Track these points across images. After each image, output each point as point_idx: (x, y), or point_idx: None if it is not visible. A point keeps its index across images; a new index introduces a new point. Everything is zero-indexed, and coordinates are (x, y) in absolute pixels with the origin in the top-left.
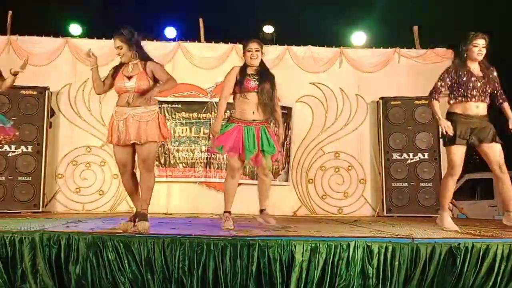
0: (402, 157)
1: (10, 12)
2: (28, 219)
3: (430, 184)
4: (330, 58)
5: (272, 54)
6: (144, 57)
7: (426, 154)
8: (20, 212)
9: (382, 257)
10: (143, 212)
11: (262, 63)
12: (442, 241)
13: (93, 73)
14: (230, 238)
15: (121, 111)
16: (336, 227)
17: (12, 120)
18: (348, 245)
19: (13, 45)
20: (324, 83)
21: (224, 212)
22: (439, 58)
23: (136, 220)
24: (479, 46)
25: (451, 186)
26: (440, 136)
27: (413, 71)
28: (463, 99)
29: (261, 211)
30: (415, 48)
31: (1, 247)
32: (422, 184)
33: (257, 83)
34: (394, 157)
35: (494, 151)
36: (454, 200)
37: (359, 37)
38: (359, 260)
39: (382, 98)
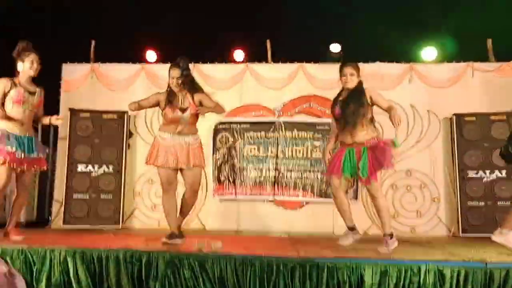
0: (478, 175)
1: (93, 42)
2: (112, 236)
3: (508, 203)
4: (400, 74)
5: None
6: (193, 89)
7: (503, 172)
8: (102, 228)
9: (454, 282)
10: (173, 232)
11: (359, 85)
12: None
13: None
14: (299, 259)
15: (170, 137)
16: (408, 248)
17: (95, 142)
18: (419, 269)
19: (96, 72)
20: (394, 99)
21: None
22: None
23: (173, 237)
24: None
25: None
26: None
27: (487, 85)
28: None
29: (389, 235)
30: (489, 61)
31: (90, 263)
32: (500, 203)
33: (340, 109)
34: (469, 175)
35: None
36: None
37: (429, 52)
38: (431, 285)
39: (455, 114)
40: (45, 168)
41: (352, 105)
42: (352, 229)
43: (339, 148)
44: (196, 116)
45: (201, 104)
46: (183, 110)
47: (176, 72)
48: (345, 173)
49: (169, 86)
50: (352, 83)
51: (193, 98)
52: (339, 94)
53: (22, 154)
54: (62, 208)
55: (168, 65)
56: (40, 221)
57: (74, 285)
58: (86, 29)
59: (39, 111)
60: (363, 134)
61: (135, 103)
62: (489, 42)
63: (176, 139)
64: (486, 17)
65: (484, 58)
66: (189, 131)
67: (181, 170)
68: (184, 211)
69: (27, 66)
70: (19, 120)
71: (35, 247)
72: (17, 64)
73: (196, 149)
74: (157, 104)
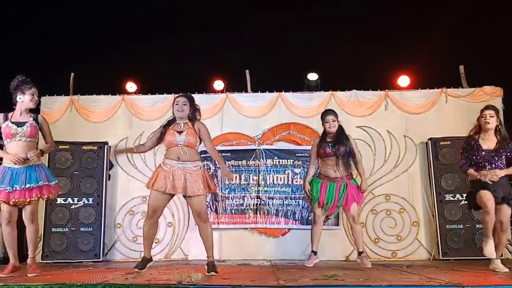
0: (456, 198)
1: (72, 74)
2: (90, 269)
3: None
4: (376, 101)
5: (316, 100)
6: (195, 118)
7: None
8: (82, 262)
9: None
10: (211, 261)
11: (340, 128)
12: None
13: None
14: None
15: (170, 164)
16: (387, 274)
17: (74, 174)
18: None
19: (75, 104)
20: (371, 126)
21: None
22: (488, 97)
23: (209, 269)
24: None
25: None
26: None
27: (461, 110)
28: None
29: (359, 253)
30: (462, 87)
31: None
32: (478, 226)
33: (332, 149)
34: (447, 198)
35: None
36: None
37: (403, 80)
38: None
39: (431, 138)
40: (51, 196)
41: (343, 147)
42: (315, 253)
43: (320, 180)
44: (195, 142)
45: (200, 134)
46: (180, 133)
47: (182, 99)
48: (327, 205)
49: (173, 113)
50: (335, 127)
51: (193, 124)
52: (323, 137)
53: (15, 187)
54: (41, 242)
55: (148, 96)
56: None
57: None
58: (65, 62)
59: (46, 139)
60: (343, 170)
61: (142, 146)
62: (461, 68)
63: (175, 165)
64: (458, 43)
65: (457, 85)
66: (188, 158)
67: (185, 198)
68: (206, 246)
69: (27, 99)
70: (13, 151)
71: (10, 283)
72: (15, 96)
73: (196, 176)
74: (161, 135)
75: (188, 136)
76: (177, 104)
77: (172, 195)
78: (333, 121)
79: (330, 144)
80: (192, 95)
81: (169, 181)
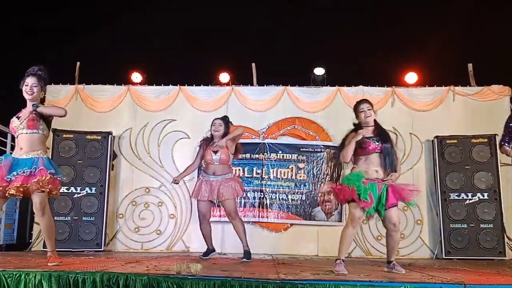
0: (461, 197)
1: (78, 63)
2: (91, 258)
3: (491, 226)
4: (382, 97)
5: (322, 95)
6: (225, 135)
7: (485, 194)
8: (83, 251)
9: None
10: (247, 250)
11: (376, 122)
12: (496, 287)
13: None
14: (278, 281)
15: (208, 178)
16: (388, 270)
17: (78, 163)
18: None
19: (80, 93)
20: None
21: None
22: (496, 95)
23: (244, 258)
24: None
25: None
26: None
27: (469, 109)
28: None
29: (389, 262)
30: (470, 85)
31: (66, 287)
32: (482, 226)
33: (378, 144)
34: (451, 197)
35: None
36: None
37: (411, 77)
38: None
39: (437, 136)
40: (50, 186)
41: (388, 143)
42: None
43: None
44: (228, 159)
45: (227, 150)
46: (215, 152)
47: (219, 121)
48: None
49: (210, 132)
50: (372, 117)
51: (226, 143)
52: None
53: (6, 174)
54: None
55: (154, 86)
56: (20, 244)
57: None
58: (72, 51)
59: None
60: (383, 171)
61: (191, 167)
62: (470, 66)
63: (212, 179)
64: (468, 42)
65: (465, 83)
66: (221, 172)
67: (220, 202)
68: (239, 238)
69: (23, 89)
70: (19, 145)
71: (9, 270)
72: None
73: (227, 185)
74: (202, 152)
75: (222, 155)
76: (214, 125)
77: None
78: (369, 109)
79: (375, 139)
80: (198, 87)
81: (208, 190)
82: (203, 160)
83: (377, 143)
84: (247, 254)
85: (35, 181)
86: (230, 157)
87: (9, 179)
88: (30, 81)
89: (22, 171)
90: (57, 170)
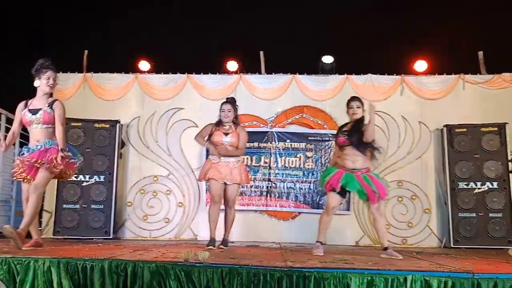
0: (469, 186)
1: (86, 52)
2: (99, 245)
3: (500, 215)
4: (391, 86)
5: (331, 84)
6: (237, 123)
7: (495, 184)
8: (92, 239)
9: None
10: (226, 238)
11: (360, 118)
12: (505, 276)
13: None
14: (286, 269)
15: (218, 159)
16: (396, 259)
17: (86, 151)
18: (406, 279)
19: (89, 81)
20: (386, 111)
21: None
22: (507, 84)
23: (222, 244)
24: None
25: None
26: None
27: (479, 97)
28: None
29: (385, 249)
30: (480, 74)
31: (74, 273)
32: (491, 215)
33: (347, 137)
34: (460, 186)
35: None
36: None
37: (420, 65)
38: None
39: (446, 125)
40: (67, 172)
41: (357, 135)
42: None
43: (335, 169)
44: (237, 141)
45: (238, 137)
46: (226, 134)
47: (227, 106)
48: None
49: (219, 117)
50: (357, 115)
51: (236, 128)
52: (345, 124)
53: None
54: (52, 219)
55: (162, 75)
56: (29, 232)
57: None
58: (80, 39)
59: (55, 123)
60: (361, 162)
61: (199, 134)
62: (481, 54)
63: (222, 160)
64: (478, 30)
65: (475, 71)
66: (231, 153)
67: (225, 185)
68: (225, 227)
69: (43, 83)
70: (34, 138)
71: (18, 256)
72: (34, 81)
73: (236, 169)
74: (211, 130)
75: (232, 138)
76: (223, 111)
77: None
78: (358, 107)
79: (345, 133)
80: (206, 75)
81: (218, 172)
82: (211, 142)
83: (345, 137)
84: (225, 242)
85: (49, 158)
86: (239, 143)
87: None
88: (51, 75)
89: (39, 146)
90: (75, 153)
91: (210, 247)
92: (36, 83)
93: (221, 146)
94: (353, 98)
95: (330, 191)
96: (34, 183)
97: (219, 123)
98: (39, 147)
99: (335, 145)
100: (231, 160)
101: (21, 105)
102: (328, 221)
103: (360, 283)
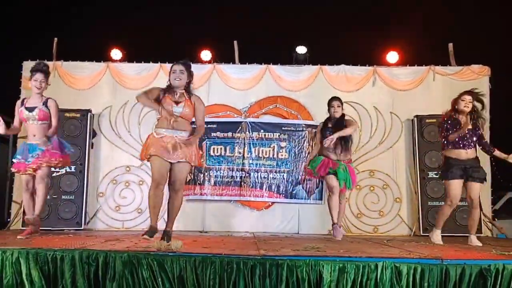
0: (438, 176)
1: (55, 39)
2: (70, 236)
3: (466, 203)
4: (364, 76)
5: (304, 74)
6: (191, 91)
7: None
8: (63, 230)
9: (411, 279)
10: (168, 230)
11: (341, 116)
12: (472, 262)
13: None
14: (259, 257)
15: (164, 132)
16: (367, 247)
17: None
18: (376, 266)
19: (58, 70)
20: (358, 101)
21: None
22: (475, 75)
23: (164, 238)
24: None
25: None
26: None
27: (448, 88)
28: None
29: (334, 224)
30: (450, 65)
31: (44, 264)
32: (459, 203)
33: (330, 133)
34: (430, 176)
35: None
36: (494, 220)
37: (392, 56)
38: (387, 281)
39: (417, 116)
40: (58, 163)
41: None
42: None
43: (321, 157)
44: (191, 115)
45: (194, 107)
46: (177, 103)
47: (179, 67)
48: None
49: (169, 81)
50: (338, 113)
51: (190, 97)
52: (327, 122)
53: (27, 158)
54: (22, 209)
55: (134, 63)
56: None
57: (27, 286)
58: (49, 27)
59: (51, 121)
60: (343, 155)
61: (143, 94)
62: (451, 46)
63: (170, 133)
64: (448, 22)
65: (446, 62)
66: (182, 127)
67: (171, 164)
68: (169, 217)
69: (33, 84)
70: (31, 132)
71: None
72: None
73: (188, 146)
74: (158, 96)
75: (185, 108)
76: (174, 73)
77: (170, 163)
78: (338, 106)
79: (330, 129)
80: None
81: (163, 148)
82: (159, 111)
83: (329, 133)
84: (168, 234)
85: (46, 160)
86: (193, 115)
87: (29, 162)
88: (39, 77)
89: (36, 154)
90: (67, 146)
91: (146, 237)
92: (30, 84)
93: (170, 117)
94: (334, 98)
95: (326, 174)
96: (40, 175)
97: (168, 89)
98: (37, 151)
99: (318, 140)
100: (179, 134)
101: (18, 103)
102: (336, 200)
103: (332, 270)
